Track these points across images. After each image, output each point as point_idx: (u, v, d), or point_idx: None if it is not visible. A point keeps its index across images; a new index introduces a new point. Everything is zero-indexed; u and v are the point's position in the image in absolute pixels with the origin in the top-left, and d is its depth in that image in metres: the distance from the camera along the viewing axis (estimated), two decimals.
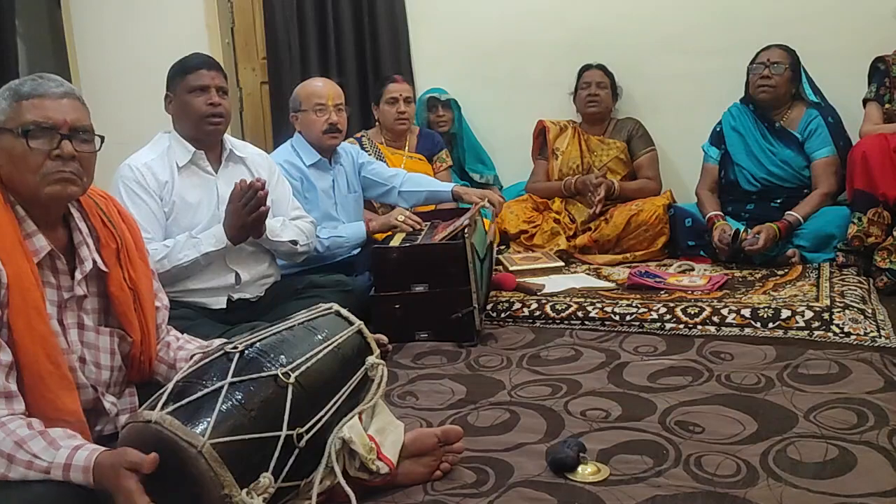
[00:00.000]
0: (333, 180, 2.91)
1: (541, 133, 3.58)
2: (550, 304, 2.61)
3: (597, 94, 3.46)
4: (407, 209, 3.06)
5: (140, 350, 1.54)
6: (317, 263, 2.74)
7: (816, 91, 3.16)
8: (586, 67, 3.53)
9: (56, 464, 1.21)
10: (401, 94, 3.48)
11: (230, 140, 2.41)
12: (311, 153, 2.85)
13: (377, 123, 3.59)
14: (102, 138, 1.46)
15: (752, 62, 3.15)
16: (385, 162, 3.31)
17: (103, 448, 1.24)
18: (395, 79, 3.55)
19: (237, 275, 2.33)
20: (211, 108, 2.26)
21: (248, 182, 2.18)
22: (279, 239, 2.38)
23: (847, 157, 2.91)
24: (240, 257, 2.33)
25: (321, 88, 2.87)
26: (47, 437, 1.24)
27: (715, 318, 2.39)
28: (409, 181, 3.02)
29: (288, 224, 2.46)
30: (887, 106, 2.97)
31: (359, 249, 2.93)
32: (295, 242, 2.43)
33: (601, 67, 3.51)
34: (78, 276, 1.44)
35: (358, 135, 3.52)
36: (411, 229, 2.77)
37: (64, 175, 1.38)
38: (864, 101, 3.04)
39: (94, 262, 1.47)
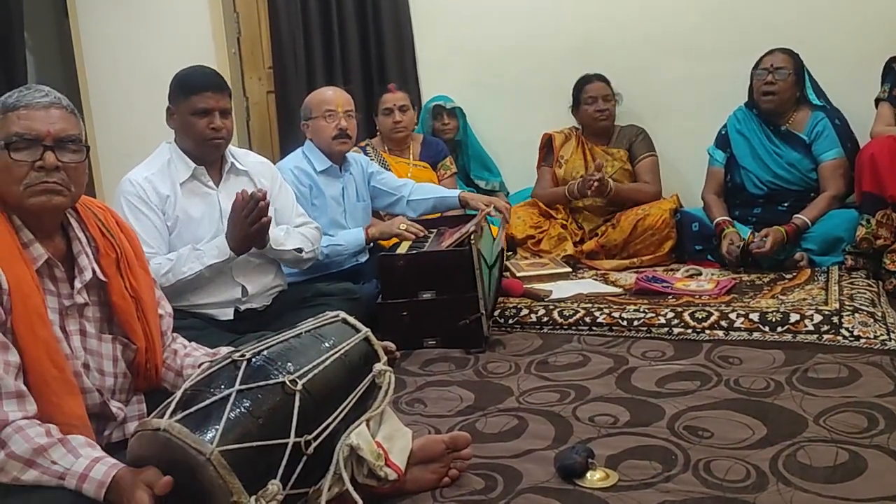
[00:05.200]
0: (343, 188, 2.92)
1: (547, 144, 3.55)
2: (558, 309, 2.61)
3: (605, 108, 3.40)
4: (414, 218, 3.06)
5: (145, 358, 1.54)
6: (322, 272, 2.74)
7: (820, 94, 3.15)
8: (586, 80, 3.45)
9: (73, 472, 1.22)
10: (395, 104, 3.51)
11: (232, 152, 2.41)
12: (321, 160, 2.86)
13: (378, 133, 3.63)
14: (88, 148, 1.46)
15: (756, 67, 3.13)
16: (390, 170, 3.33)
17: (122, 465, 1.24)
18: (388, 89, 3.60)
19: (244, 288, 2.33)
20: (213, 133, 2.26)
21: (248, 192, 2.17)
22: (283, 248, 2.38)
23: (855, 159, 2.90)
24: (246, 270, 2.33)
25: (331, 96, 2.89)
26: (68, 444, 1.25)
27: (723, 323, 2.38)
28: (417, 190, 3.03)
29: (292, 232, 2.46)
30: None
31: (366, 257, 2.93)
32: (300, 250, 2.42)
33: (601, 78, 3.44)
34: (78, 284, 1.45)
35: (362, 143, 3.54)
36: (413, 237, 2.75)
37: (48, 186, 1.38)
38: (877, 101, 3.00)
39: (94, 271, 1.47)
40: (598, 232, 3.34)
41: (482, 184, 3.85)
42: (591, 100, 3.42)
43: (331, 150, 2.86)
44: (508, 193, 3.85)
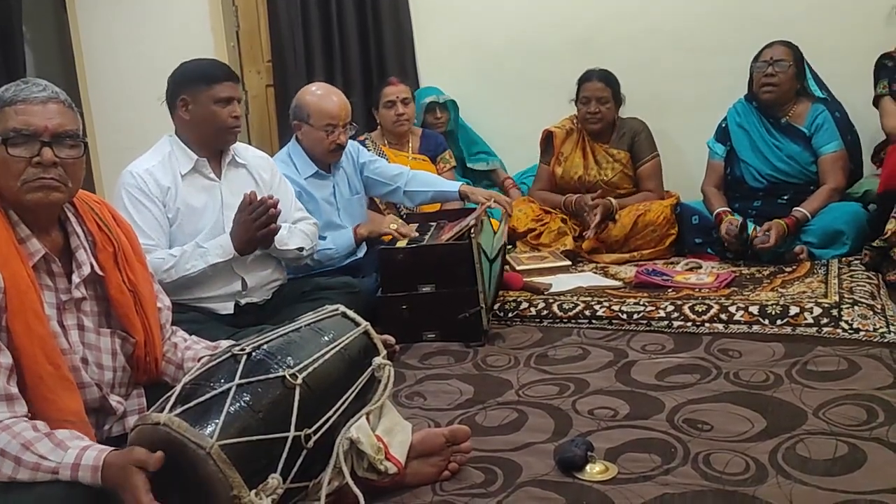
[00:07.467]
0: (334, 186, 2.87)
1: (546, 140, 3.50)
2: (558, 303, 2.61)
3: (597, 111, 3.29)
4: (412, 208, 3.04)
5: (145, 351, 1.54)
6: (322, 267, 2.73)
7: (822, 86, 3.14)
8: (586, 77, 3.34)
9: (64, 464, 1.22)
10: (398, 97, 3.49)
11: (231, 146, 2.41)
12: (307, 165, 2.81)
13: (379, 126, 3.61)
14: (86, 143, 1.45)
15: (755, 60, 3.11)
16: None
17: (111, 448, 1.24)
18: (390, 81, 3.57)
19: (244, 281, 2.34)
20: (235, 122, 2.29)
21: (258, 197, 2.18)
22: (286, 248, 2.38)
23: (886, 153, 2.85)
24: (246, 264, 2.33)
25: (334, 109, 2.75)
26: (54, 438, 1.25)
27: (723, 316, 2.38)
28: (415, 180, 2.98)
29: (294, 230, 2.45)
30: None
31: (365, 251, 2.92)
32: (301, 249, 2.43)
33: (602, 77, 3.31)
34: (76, 279, 1.44)
35: (361, 137, 3.52)
36: (404, 239, 2.65)
37: (45, 182, 1.37)
38: (877, 99, 2.99)
39: (92, 265, 1.47)
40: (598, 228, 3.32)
41: (483, 165, 3.82)
42: (585, 100, 3.32)
43: (323, 159, 2.82)
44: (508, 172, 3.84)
